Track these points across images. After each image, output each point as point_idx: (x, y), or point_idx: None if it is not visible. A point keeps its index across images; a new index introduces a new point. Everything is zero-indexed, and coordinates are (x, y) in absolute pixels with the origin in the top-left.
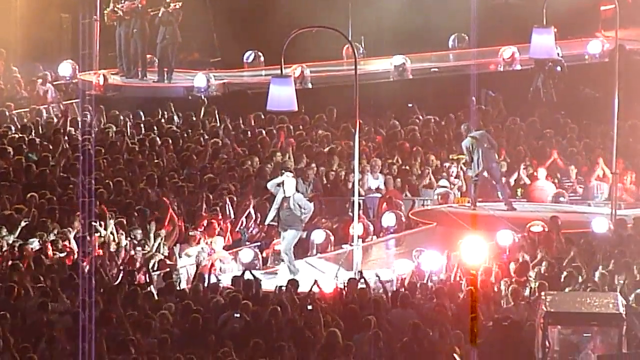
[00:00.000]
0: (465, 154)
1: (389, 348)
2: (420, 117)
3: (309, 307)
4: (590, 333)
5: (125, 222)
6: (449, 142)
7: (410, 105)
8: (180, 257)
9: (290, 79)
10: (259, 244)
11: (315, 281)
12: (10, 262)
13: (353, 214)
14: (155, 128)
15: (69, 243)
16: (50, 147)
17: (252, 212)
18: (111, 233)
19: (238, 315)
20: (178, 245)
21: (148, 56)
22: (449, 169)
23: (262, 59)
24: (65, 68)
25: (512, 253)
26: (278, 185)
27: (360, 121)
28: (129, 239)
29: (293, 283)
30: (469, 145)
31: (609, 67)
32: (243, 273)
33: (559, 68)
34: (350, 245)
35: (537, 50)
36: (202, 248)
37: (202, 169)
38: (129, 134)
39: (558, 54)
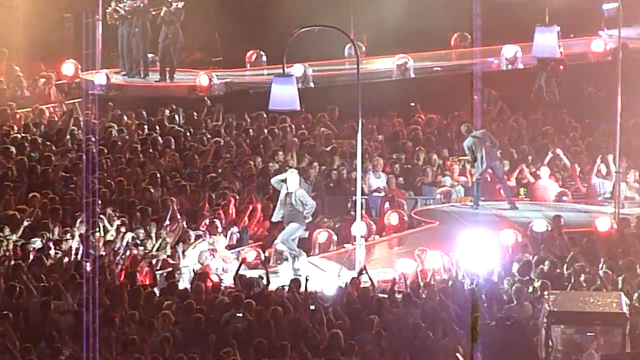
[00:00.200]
0: (468, 153)
1: (391, 347)
2: (423, 116)
3: (312, 307)
4: (593, 332)
5: (127, 222)
6: (452, 141)
7: (412, 104)
8: (182, 256)
9: (292, 78)
10: (261, 243)
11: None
12: (12, 262)
13: (355, 213)
14: (158, 127)
15: (72, 243)
16: (53, 146)
17: (255, 211)
18: (114, 231)
19: (241, 314)
20: (180, 244)
21: (150, 55)
22: (451, 167)
23: (264, 58)
24: (68, 67)
25: (515, 252)
26: (282, 181)
27: (362, 120)
28: (131, 238)
29: (296, 282)
30: (471, 145)
31: (611, 65)
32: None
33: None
34: (353, 244)
35: (540, 49)
36: (204, 247)
37: (204, 169)
38: (131, 133)
39: (560, 52)
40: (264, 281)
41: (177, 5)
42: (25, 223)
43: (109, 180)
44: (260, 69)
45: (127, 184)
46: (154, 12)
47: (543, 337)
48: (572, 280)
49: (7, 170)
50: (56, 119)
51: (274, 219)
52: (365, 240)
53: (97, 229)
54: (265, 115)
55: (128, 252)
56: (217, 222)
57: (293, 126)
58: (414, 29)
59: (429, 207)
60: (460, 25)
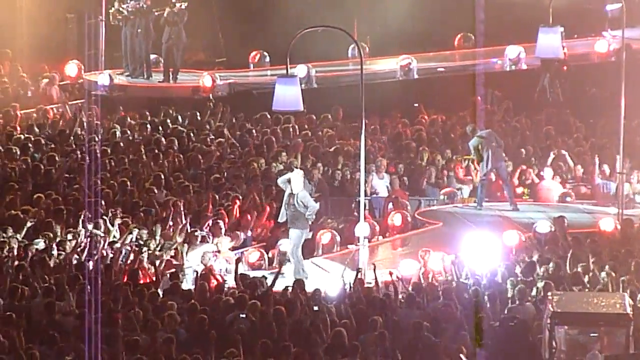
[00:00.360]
0: (474, 153)
1: (395, 348)
2: (426, 117)
3: (315, 308)
4: (597, 333)
5: (130, 222)
6: (455, 142)
7: (416, 105)
8: (186, 257)
9: (296, 79)
10: (264, 244)
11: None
12: (16, 263)
13: (359, 214)
14: (161, 128)
15: (75, 243)
16: (56, 147)
17: (257, 212)
18: (117, 232)
19: (244, 315)
20: (184, 245)
21: (153, 56)
22: (456, 168)
23: (267, 59)
24: (71, 68)
25: (518, 253)
26: (288, 181)
27: (366, 121)
28: (134, 239)
29: (299, 283)
30: (477, 145)
31: (615, 66)
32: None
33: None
34: (356, 245)
35: (544, 49)
36: (208, 248)
37: (208, 169)
38: (134, 134)
39: (564, 53)
40: (268, 281)
41: (180, 6)
42: (29, 224)
43: (112, 181)
44: (263, 70)
45: (130, 184)
46: (157, 13)
47: (547, 338)
48: (576, 281)
49: (11, 171)
50: (59, 118)
51: (280, 220)
52: (369, 241)
53: (100, 230)
54: (268, 116)
55: (131, 253)
56: (221, 223)
57: (297, 127)
58: (418, 30)
59: (433, 208)
60: (463, 26)
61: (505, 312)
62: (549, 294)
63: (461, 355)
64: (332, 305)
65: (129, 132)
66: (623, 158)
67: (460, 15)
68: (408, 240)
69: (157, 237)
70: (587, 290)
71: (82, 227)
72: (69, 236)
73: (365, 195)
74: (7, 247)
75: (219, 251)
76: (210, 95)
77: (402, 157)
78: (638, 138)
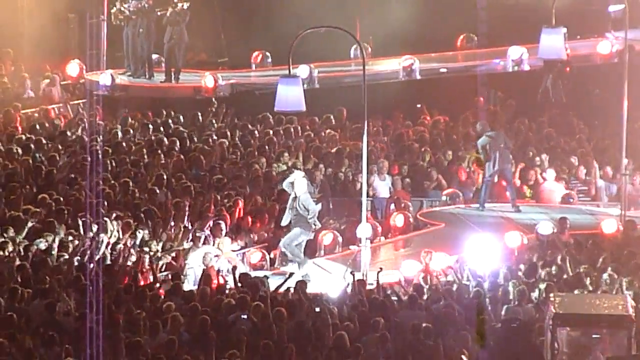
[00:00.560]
0: (482, 152)
1: (397, 350)
2: (429, 118)
3: (317, 309)
4: (599, 335)
5: (132, 223)
6: (457, 143)
7: (419, 105)
8: (187, 258)
9: (298, 79)
10: (266, 244)
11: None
12: (16, 263)
13: (361, 215)
14: (163, 128)
15: (76, 244)
16: (58, 147)
17: (260, 213)
18: (117, 232)
19: (245, 316)
20: (185, 246)
21: (155, 56)
22: (457, 169)
23: (269, 59)
24: (73, 68)
25: (520, 254)
26: (291, 184)
27: (368, 121)
28: (136, 239)
29: (302, 285)
30: (486, 144)
31: (618, 67)
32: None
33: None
34: (358, 246)
35: (546, 50)
36: (209, 249)
37: (210, 170)
38: (136, 134)
39: (567, 54)
40: (272, 283)
41: (182, 6)
42: (30, 224)
43: (113, 182)
44: (265, 70)
45: (131, 185)
46: (159, 13)
47: (549, 340)
48: (578, 283)
49: (12, 171)
50: (62, 119)
51: (283, 223)
52: (371, 242)
53: (102, 231)
54: (270, 117)
55: (133, 254)
56: (222, 224)
57: (299, 127)
58: (420, 31)
59: (435, 209)
60: (466, 26)
61: (503, 312)
62: (551, 295)
63: (463, 357)
64: (333, 307)
65: (130, 132)
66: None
67: (463, 16)
68: (410, 241)
69: (159, 238)
70: (589, 291)
71: (84, 227)
72: (70, 237)
73: (368, 196)
74: (8, 248)
75: (220, 252)
76: (213, 97)
77: (405, 158)
78: None
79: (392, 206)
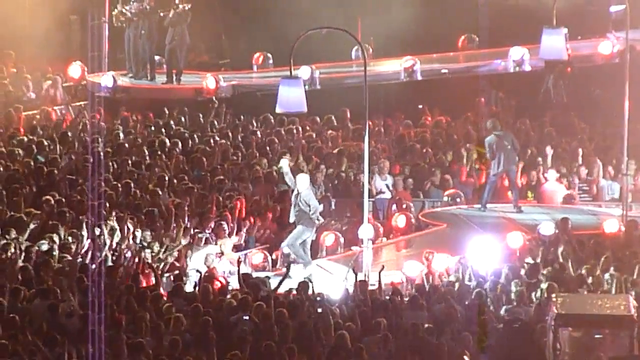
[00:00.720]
0: (488, 150)
1: (398, 350)
2: (430, 118)
3: (319, 310)
4: (601, 335)
5: (134, 224)
6: (458, 143)
7: (420, 106)
8: (189, 259)
9: (299, 80)
10: (268, 245)
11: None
12: (19, 265)
13: (362, 216)
14: (164, 130)
15: (78, 245)
16: (59, 148)
17: (262, 213)
18: (119, 233)
19: (247, 317)
20: (187, 247)
21: (157, 57)
22: (459, 170)
23: (271, 60)
24: (74, 69)
25: (522, 255)
26: (294, 180)
27: (369, 122)
28: (138, 240)
29: (304, 285)
30: (492, 143)
31: (619, 67)
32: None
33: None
34: (360, 247)
35: (548, 51)
36: (211, 250)
37: (211, 171)
38: (138, 135)
39: (568, 54)
40: (272, 284)
41: (184, 7)
42: (32, 226)
43: (115, 183)
44: (267, 71)
45: (133, 186)
46: (161, 14)
47: (551, 340)
48: (580, 283)
49: (14, 173)
50: (62, 120)
51: (290, 220)
52: (373, 243)
53: (104, 232)
54: (271, 118)
55: (135, 255)
56: (224, 225)
57: (300, 128)
58: (422, 31)
59: (436, 209)
60: (467, 27)
61: (502, 313)
62: (553, 295)
63: (465, 358)
64: (335, 307)
65: (132, 133)
66: (627, 159)
67: (464, 17)
68: (412, 242)
69: (161, 239)
70: (591, 292)
71: (86, 229)
72: (72, 238)
73: (369, 196)
74: (11, 249)
75: (222, 253)
76: (214, 97)
77: (406, 158)
78: None
79: (394, 207)
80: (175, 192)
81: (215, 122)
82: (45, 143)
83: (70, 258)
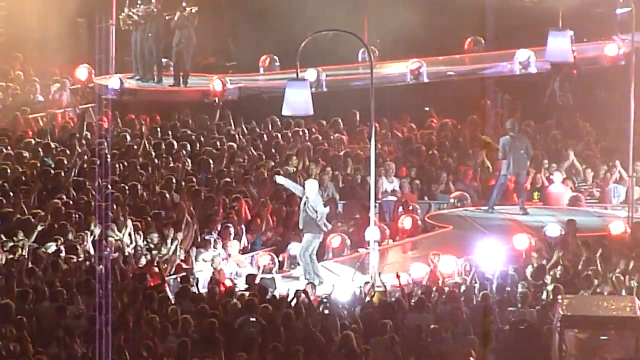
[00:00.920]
0: (500, 150)
1: (404, 352)
2: (435, 120)
3: (326, 312)
4: (607, 336)
5: (141, 226)
6: (464, 146)
7: (427, 108)
8: (196, 261)
9: (306, 83)
10: (274, 247)
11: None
12: (26, 266)
13: (369, 218)
14: (171, 132)
15: (86, 247)
16: (67, 151)
17: (268, 216)
18: (128, 235)
19: (254, 319)
20: (194, 249)
21: (164, 60)
22: (465, 172)
23: (277, 62)
24: (82, 72)
25: (528, 257)
26: (302, 186)
27: (376, 124)
28: (145, 242)
29: (311, 287)
30: (506, 144)
31: (625, 69)
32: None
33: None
34: (366, 249)
35: (553, 53)
36: (218, 252)
37: (218, 173)
38: (144, 138)
39: (574, 57)
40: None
41: (190, 10)
42: (39, 228)
43: (122, 185)
44: (273, 74)
45: (140, 188)
46: (167, 17)
47: (557, 342)
48: (586, 285)
49: (21, 175)
50: (70, 123)
51: (300, 226)
52: (379, 245)
53: (111, 234)
54: (278, 120)
55: (142, 257)
56: (231, 227)
57: (306, 131)
58: (428, 34)
59: (443, 211)
60: (473, 29)
61: (510, 315)
62: (559, 297)
63: (471, 359)
64: (342, 309)
65: (139, 136)
66: (633, 161)
67: (470, 19)
68: (418, 244)
69: (168, 241)
70: (597, 293)
71: (93, 230)
72: (80, 240)
73: (376, 199)
74: (18, 251)
75: (229, 255)
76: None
77: (413, 161)
78: None
79: (400, 209)
80: (182, 194)
81: (222, 125)
82: (53, 145)
83: (77, 260)
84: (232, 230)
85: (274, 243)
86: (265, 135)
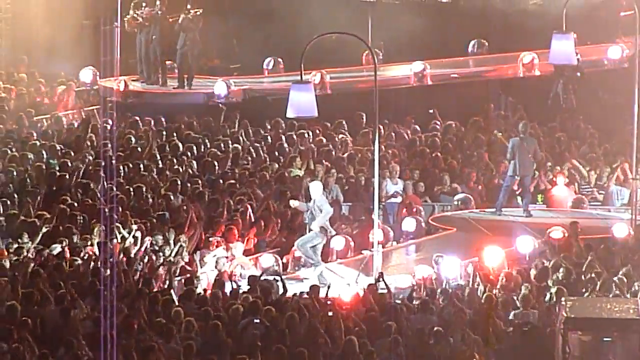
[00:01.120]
0: (509, 151)
1: (408, 354)
2: (439, 122)
3: (330, 314)
4: (610, 338)
5: (145, 228)
6: (469, 148)
7: (431, 111)
8: (200, 263)
9: (310, 85)
10: (278, 249)
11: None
12: (31, 269)
13: (373, 220)
14: (176, 134)
15: (91, 249)
16: (71, 153)
17: (273, 217)
18: (133, 237)
19: (258, 321)
20: (198, 251)
21: (168, 62)
22: (469, 174)
23: (282, 65)
24: (86, 74)
25: (532, 259)
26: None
27: (380, 127)
28: (149, 245)
29: (314, 289)
30: (515, 145)
31: (628, 72)
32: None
33: (578, 74)
34: (370, 250)
35: (557, 56)
36: (222, 254)
37: (222, 175)
38: (149, 140)
39: (578, 59)
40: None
41: (195, 12)
42: (44, 230)
43: (127, 187)
44: (278, 76)
45: (145, 190)
46: (172, 19)
47: (560, 344)
48: (589, 287)
49: (26, 177)
50: (74, 124)
51: (309, 226)
52: (383, 247)
53: (115, 236)
54: (282, 122)
55: (146, 259)
56: (235, 229)
57: (311, 133)
58: (431, 36)
59: (446, 213)
60: (477, 32)
61: (514, 317)
62: (562, 299)
63: None
64: (346, 311)
65: (143, 138)
66: (637, 164)
67: (474, 22)
68: (422, 246)
69: (172, 243)
70: (600, 295)
71: (98, 233)
72: (84, 242)
73: (380, 201)
74: (23, 253)
75: (233, 256)
76: (220, 102)
77: (417, 163)
78: None
79: (404, 211)
80: (187, 196)
81: (226, 127)
82: (58, 148)
83: (82, 262)
84: (236, 232)
85: (278, 245)
86: (269, 137)
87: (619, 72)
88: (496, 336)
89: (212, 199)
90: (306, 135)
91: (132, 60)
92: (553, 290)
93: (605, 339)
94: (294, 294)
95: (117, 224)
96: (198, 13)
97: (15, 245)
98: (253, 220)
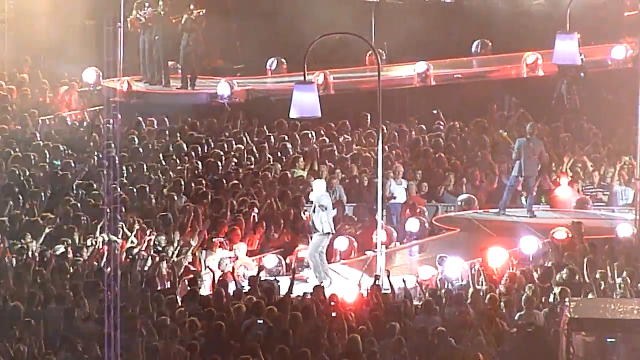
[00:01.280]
0: (515, 151)
1: (412, 354)
2: (442, 122)
3: (333, 314)
4: (614, 339)
5: (148, 229)
6: (472, 148)
7: (434, 111)
8: (203, 263)
9: (313, 86)
10: (282, 250)
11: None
12: (34, 269)
13: (376, 220)
14: (179, 134)
15: (94, 249)
16: (75, 154)
17: (275, 218)
18: (136, 238)
19: (261, 321)
20: (202, 251)
21: (171, 63)
22: (472, 174)
23: (285, 65)
24: (90, 75)
25: (535, 259)
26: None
27: (383, 127)
28: (152, 245)
29: (319, 289)
30: (521, 146)
31: (632, 72)
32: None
33: (582, 74)
34: (374, 251)
35: (561, 56)
36: (225, 254)
37: (226, 176)
38: (152, 140)
39: (581, 59)
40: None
41: (198, 12)
42: (47, 230)
43: (130, 187)
44: (281, 76)
45: (148, 190)
46: (175, 20)
47: (564, 344)
48: (593, 287)
49: (30, 177)
50: (78, 125)
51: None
52: (386, 247)
53: (119, 236)
54: (285, 123)
55: (150, 259)
56: (238, 229)
57: (314, 133)
58: (435, 37)
59: (450, 214)
60: (480, 32)
61: (518, 317)
62: (566, 300)
63: None
64: (349, 312)
65: (147, 138)
66: None
67: (478, 22)
68: (425, 246)
69: (175, 243)
70: (604, 296)
71: (101, 233)
72: (88, 242)
73: (383, 201)
74: (26, 253)
75: (236, 257)
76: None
77: (420, 163)
78: None
79: (408, 211)
80: (190, 196)
81: (230, 127)
82: (61, 148)
83: (85, 262)
84: (239, 232)
85: (282, 245)
86: (272, 138)
87: (623, 72)
88: (500, 337)
89: (216, 200)
90: (309, 135)
91: (135, 61)
92: (557, 290)
93: (609, 340)
94: (298, 295)
95: (121, 224)
96: (201, 13)
97: (19, 246)
98: (256, 220)
